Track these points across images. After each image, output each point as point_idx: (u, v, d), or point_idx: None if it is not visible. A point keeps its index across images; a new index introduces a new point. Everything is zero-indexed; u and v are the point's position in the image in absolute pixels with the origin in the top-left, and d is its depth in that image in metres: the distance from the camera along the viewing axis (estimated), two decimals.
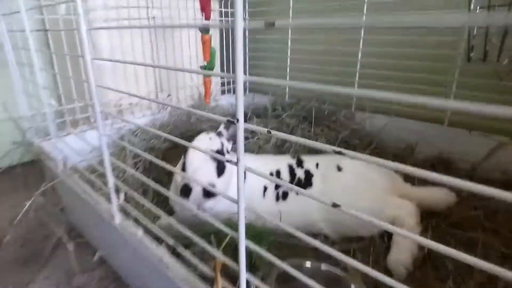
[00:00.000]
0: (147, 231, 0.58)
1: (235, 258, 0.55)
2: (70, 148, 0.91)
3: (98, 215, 0.68)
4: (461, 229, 0.72)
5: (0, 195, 1.27)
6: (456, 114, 1.04)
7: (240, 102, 0.34)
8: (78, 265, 0.84)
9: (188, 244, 0.59)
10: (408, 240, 0.70)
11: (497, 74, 0.90)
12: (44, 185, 1.07)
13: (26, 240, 0.99)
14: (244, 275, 0.38)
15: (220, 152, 0.78)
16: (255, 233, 0.66)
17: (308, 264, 0.65)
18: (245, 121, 0.37)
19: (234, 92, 1.24)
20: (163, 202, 0.94)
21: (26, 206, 1.06)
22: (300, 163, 0.90)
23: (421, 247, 0.69)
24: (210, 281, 0.42)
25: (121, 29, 1.14)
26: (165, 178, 0.97)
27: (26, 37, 0.87)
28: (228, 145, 0.85)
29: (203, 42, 0.95)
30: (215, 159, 0.75)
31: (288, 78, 1.45)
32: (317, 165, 0.89)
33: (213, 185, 0.71)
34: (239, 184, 0.37)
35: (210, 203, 0.71)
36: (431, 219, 0.77)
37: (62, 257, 0.89)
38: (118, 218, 0.62)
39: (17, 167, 1.33)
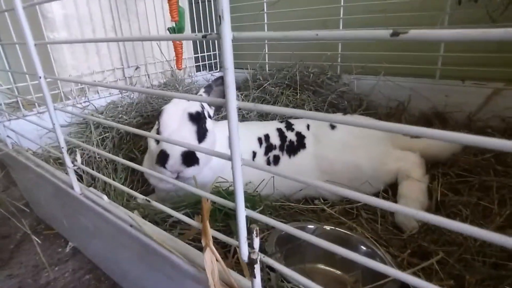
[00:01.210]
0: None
1: (227, 227, 0.47)
2: (26, 130, 0.78)
3: (67, 201, 0.57)
4: (472, 175, 0.66)
5: None
6: (447, 65, 0.99)
7: (228, 52, 0.24)
8: (48, 259, 0.73)
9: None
10: (415, 191, 0.64)
11: (490, 15, 0.85)
12: (7, 179, 0.94)
13: None
14: (245, 247, 0.29)
15: (201, 115, 0.68)
16: (247, 198, 0.58)
17: (311, 225, 0.57)
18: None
19: (210, 69, 1.14)
20: (139, 181, 0.84)
21: None
22: (289, 126, 0.82)
23: (430, 197, 0.63)
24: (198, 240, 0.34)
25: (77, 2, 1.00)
26: (137, 156, 0.86)
27: None
28: (210, 110, 0.75)
29: (170, 1, 0.84)
30: (194, 121, 0.65)
31: (266, 48, 1.36)
32: (308, 126, 0.81)
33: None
34: (232, 137, 0.27)
35: (190, 171, 0.61)
36: (437, 169, 0.72)
37: (28, 252, 0.77)
38: (77, 186, 0.51)
39: None
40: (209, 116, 0.73)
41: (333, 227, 0.57)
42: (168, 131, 0.63)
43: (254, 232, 0.28)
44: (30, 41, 0.44)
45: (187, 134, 0.63)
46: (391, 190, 0.70)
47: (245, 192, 0.58)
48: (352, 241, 0.55)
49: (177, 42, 0.95)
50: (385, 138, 0.76)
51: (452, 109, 0.95)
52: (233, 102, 0.27)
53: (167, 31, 0.95)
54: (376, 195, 0.69)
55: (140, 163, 0.80)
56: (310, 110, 1.04)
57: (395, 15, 1.03)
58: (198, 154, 0.62)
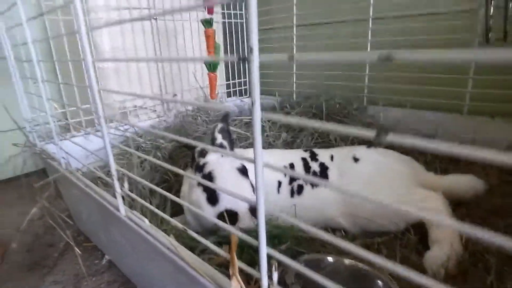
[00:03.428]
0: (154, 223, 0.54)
1: (252, 258, 0.51)
2: (74, 150, 0.89)
3: (108, 221, 0.65)
4: (498, 217, 0.66)
5: (7, 203, 1.25)
6: (476, 101, 0.99)
7: (255, 80, 0.30)
8: (87, 269, 0.80)
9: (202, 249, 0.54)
10: (448, 236, 0.64)
11: None
12: (48, 191, 1.04)
13: (32, 247, 0.95)
14: (266, 279, 0.33)
15: (245, 168, 0.73)
16: (274, 229, 0.62)
17: (330, 259, 0.60)
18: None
19: (240, 95, 1.22)
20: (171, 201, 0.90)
21: (31, 213, 1.04)
22: (314, 156, 0.85)
23: (461, 244, 0.62)
24: (224, 266, 0.38)
25: (123, 31, 1.12)
26: (171, 178, 0.93)
27: (30, 48, 0.85)
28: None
29: (207, 36, 0.93)
30: (245, 175, 0.70)
31: (294, 77, 1.42)
32: (331, 157, 0.85)
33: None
34: (258, 189, 0.32)
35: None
36: (461, 209, 0.72)
37: (70, 261, 0.85)
38: (122, 210, 0.58)
39: (21, 176, 1.31)
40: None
41: (352, 261, 0.59)
42: (230, 190, 0.68)
43: (273, 267, 0.32)
44: (89, 57, 0.53)
45: (247, 189, 0.68)
46: (413, 229, 0.70)
47: (269, 225, 0.62)
48: (370, 276, 0.57)
49: (212, 74, 1.04)
50: (408, 174, 0.77)
51: (480, 146, 0.94)
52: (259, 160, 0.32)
53: (204, 65, 1.04)
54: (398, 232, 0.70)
55: (174, 186, 0.87)
56: (335, 140, 1.07)
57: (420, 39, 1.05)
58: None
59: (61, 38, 0.98)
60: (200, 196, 0.69)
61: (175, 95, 1.25)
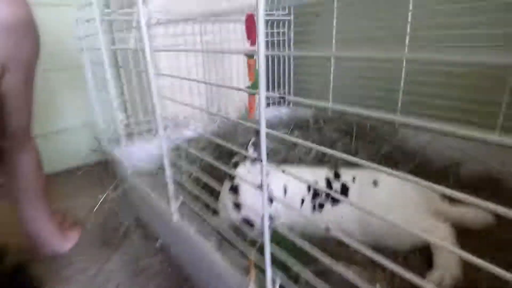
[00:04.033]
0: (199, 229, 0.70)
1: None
2: (136, 155, 1.09)
3: (160, 214, 0.83)
4: (501, 252, 0.72)
5: (80, 188, 1.52)
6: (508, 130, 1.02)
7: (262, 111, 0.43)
8: (144, 250, 1.00)
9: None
10: (447, 261, 0.73)
11: None
12: (114, 184, 1.28)
13: (102, 227, 1.18)
14: (269, 274, 0.47)
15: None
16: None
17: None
18: (287, 133, 0.46)
19: (277, 105, 1.36)
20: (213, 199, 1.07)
21: (101, 199, 1.28)
22: (337, 176, 0.96)
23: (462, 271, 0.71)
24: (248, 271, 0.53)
25: (178, 53, 1.31)
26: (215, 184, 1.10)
27: (105, 67, 1.06)
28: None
29: (249, 65, 1.07)
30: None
31: (331, 95, 1.51)
32: (353, 178, 0.95)
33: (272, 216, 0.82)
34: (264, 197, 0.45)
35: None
36: (467, 238, 0.79)
37: (131, 242, 1.07)
38: (175, 218, 0.75)
39: (93, 165, 1.58)
40: None
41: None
42: (250, 204, 0.83)
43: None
44: (151, 72, 0.69)
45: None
46: (420, 252, 0.79)
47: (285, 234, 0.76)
48: None
49: (251, 97, 1.18)
50: (422, 203, 0.85)
51: (508, 177, 0.98)
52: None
53: (246, 87, 1.18)
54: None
55: (214, 190, 1.04)
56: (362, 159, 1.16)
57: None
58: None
59: (126, 58, 1.19)
60: (228, 202, 0.87)
61: (218, 112, 1.42)
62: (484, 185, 0.99)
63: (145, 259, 0.97)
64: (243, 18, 0.93)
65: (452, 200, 0.93)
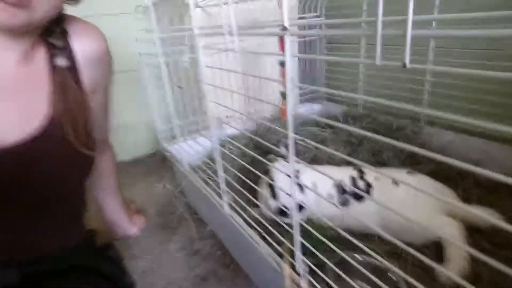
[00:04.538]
0: (245, 219, 0.89)
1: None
2: (189, 150, 1.29)
3: (211, 204, 1.02)
4: (506, 250, 0.83)
5: (137, 178, 1.78)
6: None
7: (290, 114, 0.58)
8: (197, 234, 1.22)
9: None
10: (457, 258, 0.85)
11: None
12: (169, 175, 1.50)
13: (160, 213, 1.42)
14: (300, 257, 0.63)
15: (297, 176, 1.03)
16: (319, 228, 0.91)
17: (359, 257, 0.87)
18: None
19: (310, 102, 1.51)
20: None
21: (158, 188, 1.51)
22: (361, 175, 1.09)
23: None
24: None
25: (220, 60, 1.47)
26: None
27: (163, 77, 1.25)
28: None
29: (283, 72, 1.21)
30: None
31: (362, 89, 1.60)
32: (376, 178, 1.07)
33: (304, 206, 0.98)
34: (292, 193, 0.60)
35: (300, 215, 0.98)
36: (475, 236, 0.90)
37: (185, 226, 1.28)
38: (225, 208, 0.94)
39: (151, 158, 1.83)
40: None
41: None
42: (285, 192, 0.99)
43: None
44: (205, 81, 0.86)
45: (296, 191, 0.98)
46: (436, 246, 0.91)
47: (317, 223, 0.91)
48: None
49: (284, 101, 1.31)
50: (436, 202, 0.96)
51: None
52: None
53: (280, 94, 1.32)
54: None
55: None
56: (388, 158, 1.27)
57: None
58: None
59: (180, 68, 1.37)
60: (266, 193, 1.03)
61: (254, 109, 1.57)
62: (502, 187, 1.07)
63: (198, 242, 1.18)
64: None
65: (467, 199, 1.03)
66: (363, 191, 1.05)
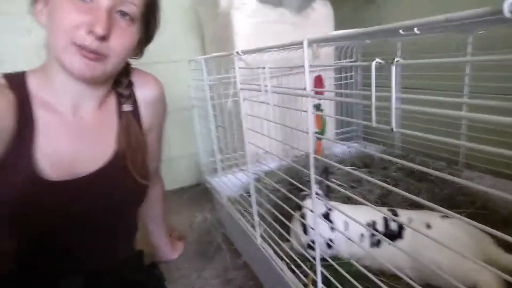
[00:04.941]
0: (275, 251, 0.94)
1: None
2: (228, 184, 1.40)
3: (245, 235, 1.09)
4: None
5: (181, 206, 1.91)
6: None
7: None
8: (231, 264, 1.28)
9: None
10: None
11: None
12: (209, 206, 1.61)
13: (198, 241, 1.51)
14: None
15: (327, 213, 1.08)
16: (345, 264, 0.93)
17: None
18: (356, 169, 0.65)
19: (348, 140, 1.58)
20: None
21: (199, 218, 1.62)
22: (395, 216, 1.10)
23: None
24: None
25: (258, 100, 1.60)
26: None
27: (209, 117, 1.41)
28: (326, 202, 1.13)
29: (317, 116, 1.30)
30: (325, 217, 1.06)
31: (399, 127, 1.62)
32: (409, 219, 1.07)
33: (331, 240, 1.03)
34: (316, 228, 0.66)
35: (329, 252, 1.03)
36: None
37: (221, 256, 1.35)
38: (259, 240, 1.01)
39: (193, 187, 1.98)
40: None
41: None
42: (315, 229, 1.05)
43: None
44: (245, 125, 0.96)
45: (325, 229, 1.04)
46: None
47: (348, 263, 0.94)
48: None
49: (319, 142, 1.39)
50: (473, 248, 0.94)
51: None
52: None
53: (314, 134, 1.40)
54: None
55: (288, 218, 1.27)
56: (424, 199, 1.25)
57: None
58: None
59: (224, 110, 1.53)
60: (298, 227, 1.08)
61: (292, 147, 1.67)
62: None
63: (232, 271, 1.25)
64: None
65: (507, 247, 0.98)
66: (395, 232, 1.06)
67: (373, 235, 1.07)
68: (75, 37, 0.68)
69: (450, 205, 1.21)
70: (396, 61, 0.33)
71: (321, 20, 1.65)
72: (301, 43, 0.52)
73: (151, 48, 0.89)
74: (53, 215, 0.76)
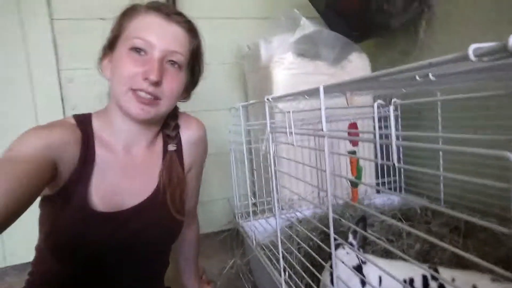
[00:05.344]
0: None
1: None
2: (259, 228, 1.39)
3: (272, 282, 1.06)
4: None
5: (214, 250, 1.92)
6: None
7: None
8: None
9: None
10: None
11: None
12: (241, 251, 1.60)
13: (227, 286, 1.49)
14: None
15: (359, 266, 1.02)
16: None
17: None
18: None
19: (388, 191, 1.51)
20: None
21: (230, 264, 1.61)
22: (435, 275, 0.99)
23: None
24: None
25: (295, 150, 1.64)
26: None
27: (244, 160, 1.48)
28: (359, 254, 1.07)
29: (351, 162, 1.29)
30: (357, 269, 1.00)
31: (442, 186, 1.53)
32: (453, 280, 0.96)
33: None
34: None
35: None
36: None
37: None
38: (284, 286, 0.98)
39: (228, 231, 1.99)
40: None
41: None
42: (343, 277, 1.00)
43: None
44: (273, 168, 0.97)
45: (355, 283, 0.98)
46: None
47: None
48: None
49: (354, 188, 1.36)
50: None
51: None
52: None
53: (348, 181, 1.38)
54: None
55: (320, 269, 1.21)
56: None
57: None
58: None
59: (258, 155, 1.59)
60: (327, 278, 1.01)
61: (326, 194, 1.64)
62: None
63: None
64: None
65: None
66: None
67: None
68: (134, 84, 0.81)
69: (503, 267, 1.06)
70: (394, 102, 0.36)
71: (357, 71, 1.71)
72: (318, 89, 0.56)
73: (199, 97, 1.01)
74: (97, 244, 0.83)
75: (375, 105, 0.41)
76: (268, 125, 0.98)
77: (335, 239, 1.25)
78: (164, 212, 0.93)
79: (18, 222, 0.57)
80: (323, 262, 0.92)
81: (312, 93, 0.62)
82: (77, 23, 1.84)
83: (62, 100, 1.84)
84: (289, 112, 0.77)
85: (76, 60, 1.84)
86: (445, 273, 1.00)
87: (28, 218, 0.70)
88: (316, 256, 0.90)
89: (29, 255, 0.91)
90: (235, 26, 2.10)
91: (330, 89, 0.56)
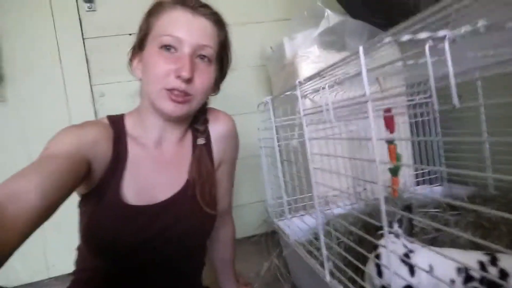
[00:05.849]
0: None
1: None
2: (296, 227, 1.35)
3: (315, 282, 1.02)
4: None
5: (250, 254, 1.88)
6: None
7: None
8: None
9: None
10: None
11: None
12: (277, 251, 1.56)
13: None
14: None
15: (407, 255, 0.95)
16: None
17: None
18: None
19: (430, 183, 1.44)
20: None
21: (266, 266, 1.57)
22: (494, 261, 0.91)
23: None
24: None
25: (328, 143, 1.60)
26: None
27: (277, 164, 1.45)
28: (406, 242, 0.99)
29: (390, 150, 1.22)
30: (405, 262, 0.93)
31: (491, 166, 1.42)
32: None
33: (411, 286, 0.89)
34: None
35: None
36: None
37: None
38: (328, 278, 0.93)
39: (262, 235, 1.96)
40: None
41: None
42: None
43: None
44: (311, 166, 0.93)
45: (403, 271, 0.91)
46: None
47: None
48: None
49: (395, 178, 1.29)
50: None
51: None
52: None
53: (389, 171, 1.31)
54: None
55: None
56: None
57: None
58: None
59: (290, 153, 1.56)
60: (372, 269, 0.96)
61: (364, 189, 1.57)
62: None
63: None
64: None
65: None
66: (494, 280, 0.86)
67: (466, 282, 0.89)
68: (167, 84, 0.82)
69: None
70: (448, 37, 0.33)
71: (386, 60, 1.65)
72: (357, 52, 0.54)
73: (225, 102, 1.00)
74: (132, 238, 0.84)
75: (427, 47, 0.37)
76: (301, 108, 0.96)
77: (381, 229, 1.19)
78: (195, 205, 0.92)
79: (59, 234, 0.58)
80: (367, 254, 0.87)
81: (350, 60, 0.59)
82: (107, 40, 1.94)
83: (95, 113, 1.92)
84: (325, 86, 0.74)
85: (107, 75, 1.93)
86: (506, 259, 0.91)
87: (68, 230, 0.71)
88: (360, 249, 0.85)
89: (70, 266, 0.93)
90: (258, 29, 2.11)
91: (370, 50, 0.53)
